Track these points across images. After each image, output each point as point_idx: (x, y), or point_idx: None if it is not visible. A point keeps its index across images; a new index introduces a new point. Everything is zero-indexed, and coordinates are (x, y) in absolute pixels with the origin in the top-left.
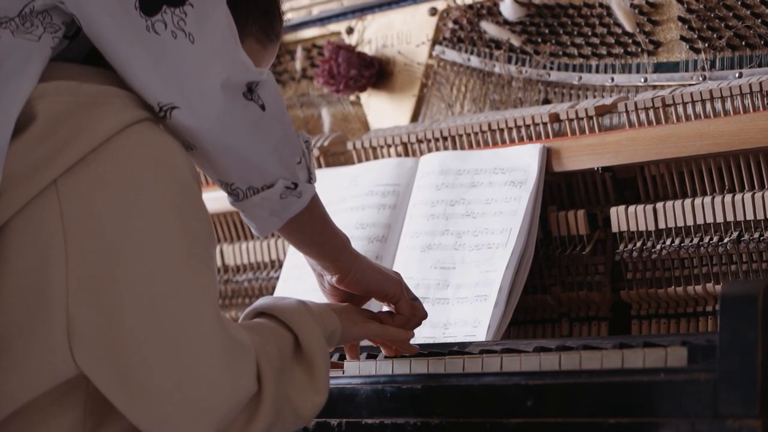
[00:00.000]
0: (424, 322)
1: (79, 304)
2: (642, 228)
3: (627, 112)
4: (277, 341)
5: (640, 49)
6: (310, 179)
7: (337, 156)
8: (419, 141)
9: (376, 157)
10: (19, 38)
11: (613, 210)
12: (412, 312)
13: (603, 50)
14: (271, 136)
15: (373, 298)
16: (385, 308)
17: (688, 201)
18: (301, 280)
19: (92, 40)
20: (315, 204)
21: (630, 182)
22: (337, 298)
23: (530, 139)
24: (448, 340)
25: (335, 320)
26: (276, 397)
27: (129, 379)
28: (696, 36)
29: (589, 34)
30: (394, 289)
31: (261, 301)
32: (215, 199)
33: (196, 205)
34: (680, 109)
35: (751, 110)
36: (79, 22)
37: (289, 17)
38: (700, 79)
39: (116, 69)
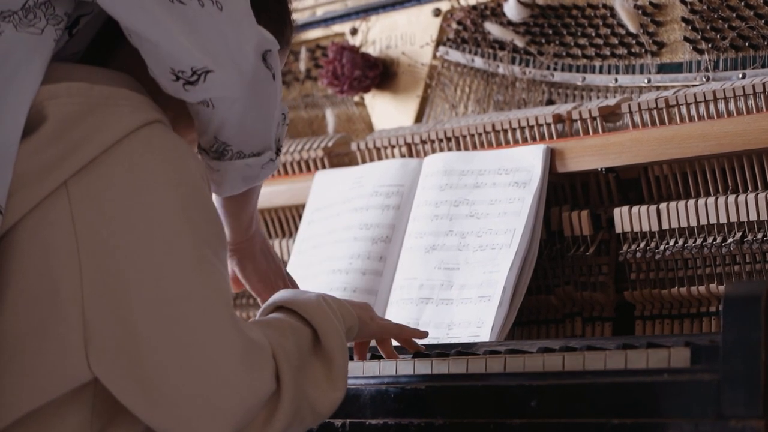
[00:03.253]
0: (428, 322)
1: (95, 309)
2: (646, 228)
3: (630, 112)
4: (296, 337)
5: (643, 50)
6: (279, 151)
7: (341, 157)
8: (423, 142)
9: (380, 158)
10: (22, 32)
11: (616, 210)
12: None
13: (606, 51)
14: (275, 106)
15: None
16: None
17: (691, 202)
18: (304, 281)
19: (115, 17)
20: None
21: (634, 183)
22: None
23: (534, 139)
24: (452, 341)
25: (353, 316)
26: (294, 395)
27: (146, 384)
28: (699, 37)
29: (593, 34)
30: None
31: (280, 295)
32: None
33: (205, 207)
34: (684, 109)
35: (755, 111)
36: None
37: (293, 18)
38: (704, 79)
39: (139, 46)
